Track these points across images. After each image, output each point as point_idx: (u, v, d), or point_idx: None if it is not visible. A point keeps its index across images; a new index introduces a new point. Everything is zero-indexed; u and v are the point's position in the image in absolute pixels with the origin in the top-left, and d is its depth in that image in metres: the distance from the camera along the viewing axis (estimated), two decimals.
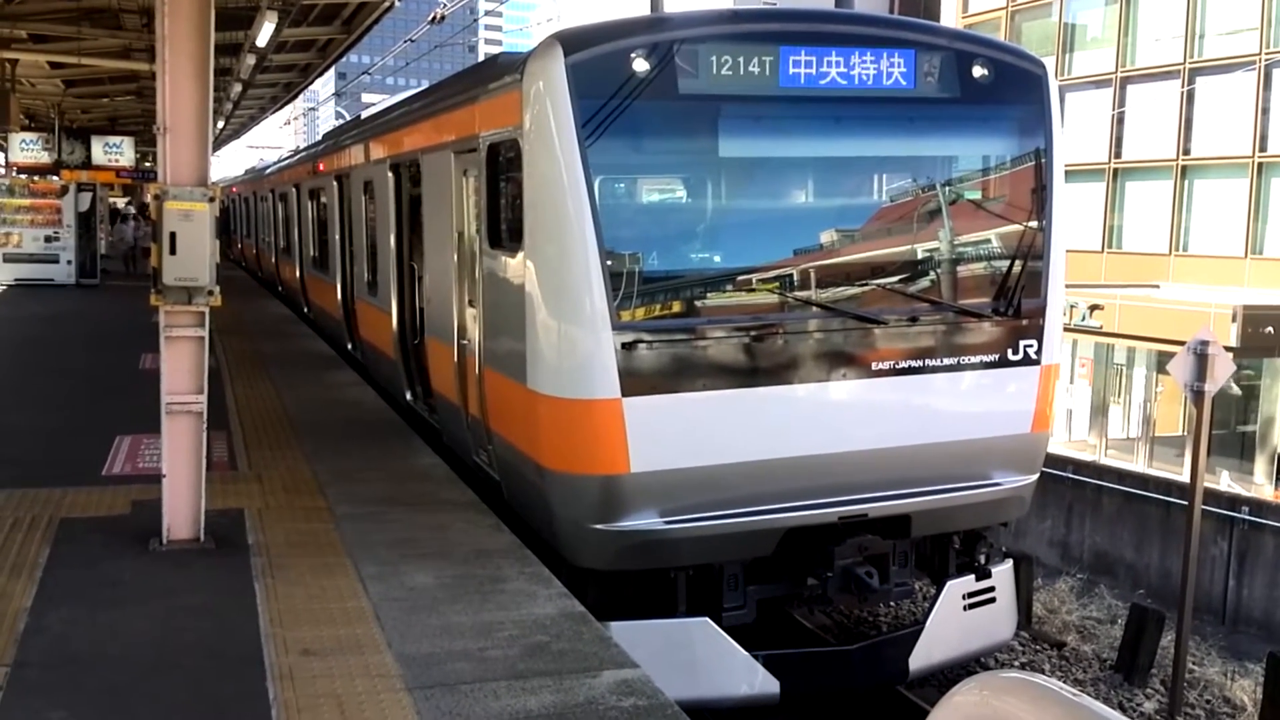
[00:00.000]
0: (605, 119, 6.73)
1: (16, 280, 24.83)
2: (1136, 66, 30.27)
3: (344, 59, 26.19)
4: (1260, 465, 25.14)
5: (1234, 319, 20.68)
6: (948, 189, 7.91)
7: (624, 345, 6.68)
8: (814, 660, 7.90)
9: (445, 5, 21.12)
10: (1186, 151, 28.68)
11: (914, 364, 7.41)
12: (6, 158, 30.83)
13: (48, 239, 25.16)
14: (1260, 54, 26.54)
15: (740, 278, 7.34)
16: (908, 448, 7.42)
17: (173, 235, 6.56)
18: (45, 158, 28.92)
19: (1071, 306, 24.33)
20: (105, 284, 25.57)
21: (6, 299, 22.89)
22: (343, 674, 5.15)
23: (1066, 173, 8.11)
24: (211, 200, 6.64)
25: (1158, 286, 27.28)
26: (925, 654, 7.79)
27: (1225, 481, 23.13)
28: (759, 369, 7.05)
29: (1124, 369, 29.03)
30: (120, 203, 39.20)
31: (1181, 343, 10.18)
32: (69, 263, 25.13)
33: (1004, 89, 7.74)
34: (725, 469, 6.96)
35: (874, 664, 7.87)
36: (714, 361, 6.95)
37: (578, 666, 5.29)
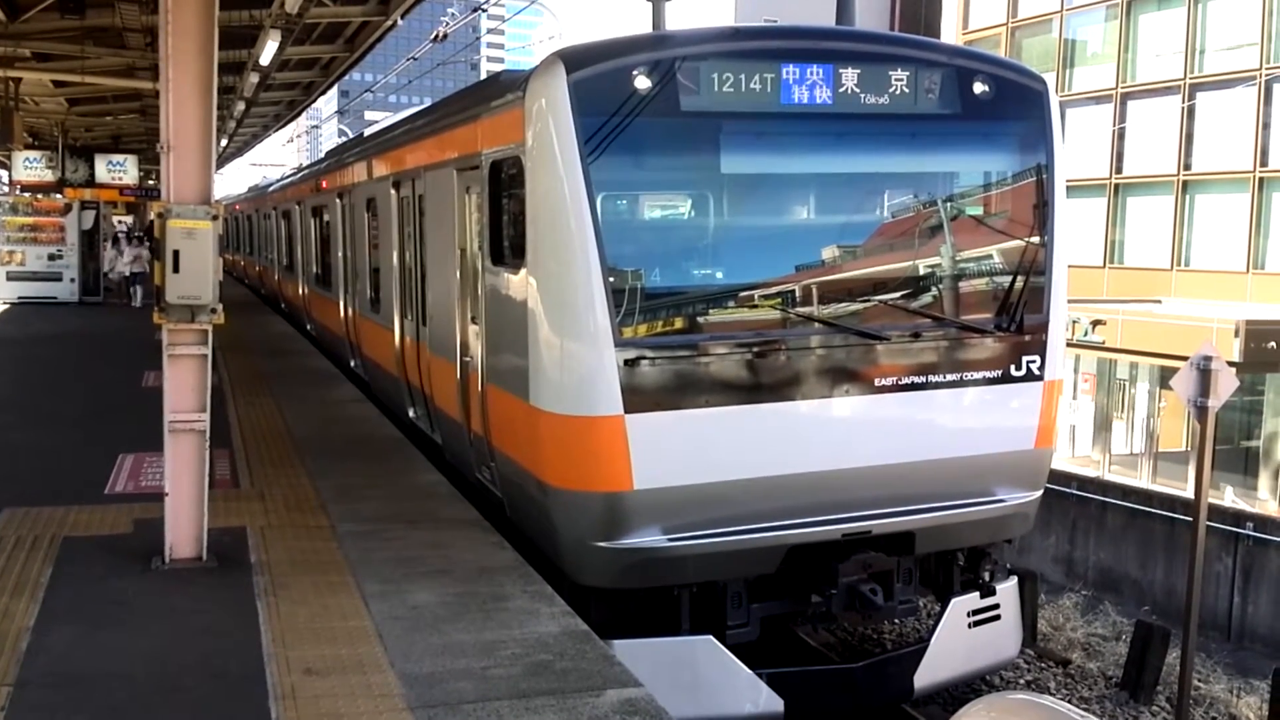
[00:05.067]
0: (607, 136, 6.75)
1: (20, 298, 24.89)
2: (1137, 82, 30.34)
3: (347, 77, 26.29)
4: (1264, 481, 25.07)
5: (1236, 334, 20.65)
6: (949, 205, 7.91)
7: (626, 362, 6.67)
8: (818, 678, 7.86)
9: (447, 24, 21.21)
10: (1187, 167, 28.72)
11: (917, 380, 7.40)
12: (10, 176, 30.88)
13: (51, 257, 25.23)
14: (1260, 69, 26.60)
15: (743, 294, 7.34)
16: (911, 464, 7.40)
17: (175, 253, 6.57)
18: (49, 176, 28.95)
19: (1074, 322, 24.31)
20: (108, 302, 25.61)
21: (9, 317, 22.93)
22: (345, 693, 5.13)
23: (1068, 188, 8.11)
24: (215, 218, 6.65)
25: (1160, 302, 27.27)
26: (930, 672, 7.75)
27: (1230, 498, 23.06)
28: (762, 385, 7.04)
29: (1127, 384, 28.98)
30: (126, 221, 38.93)
31: (1184, 358, 10.17)
32: (72, 281, 25.19)
33: (1005, 105, 7.76)
34: (729, 486, 6.94)
35: (879, 682, 7.83)
36: (717, 378, 6.94)
37: (581, 685, 5.26)
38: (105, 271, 25.44)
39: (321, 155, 21.86)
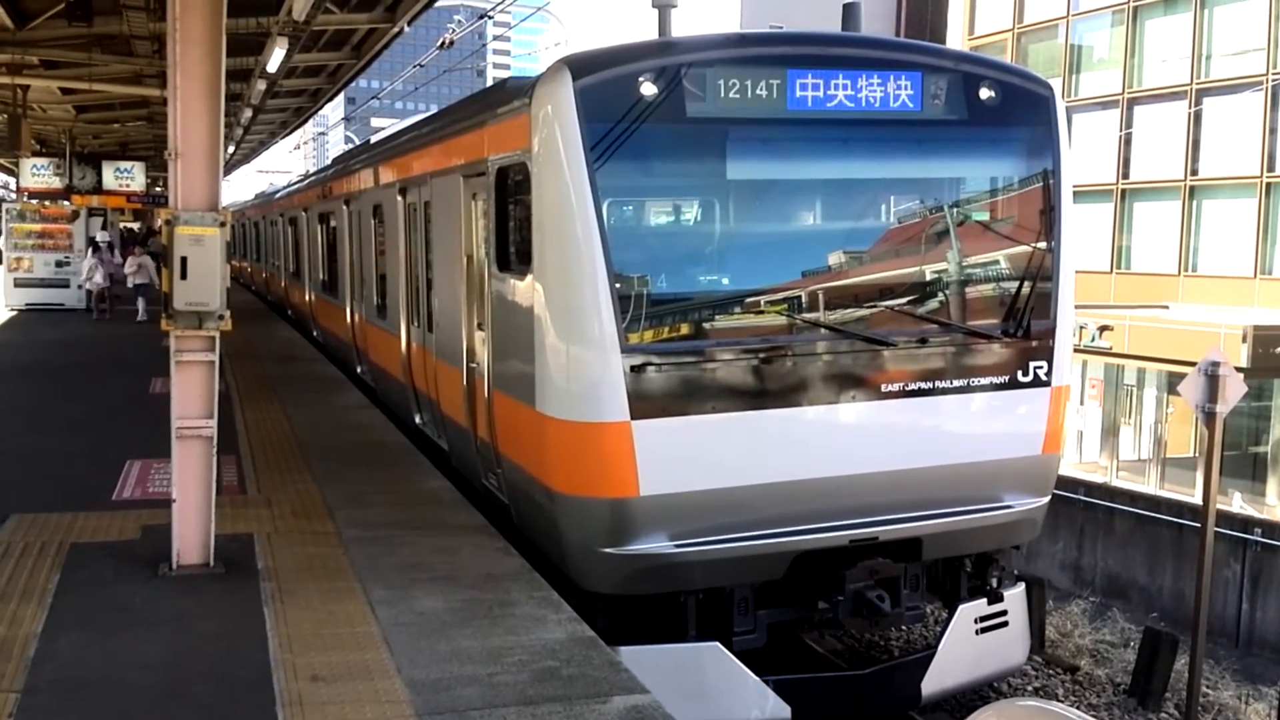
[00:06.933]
0: (613, 142, 6.75)
1: (27, 305, 24.94)
2: (1143, 87, 30.33)
3: (353, 84, 26.33)
4: (1273, 486, 25.00)
5: (1244, 339, 20.62)
6: (956, 210, 7.91)
7: (633, 368, 6.67)
8: (825, 685, 7.85)
9: (453, 31, 21.27)
10: (1194, 172, 28.68)
11: (924, 386, 7.38)
12: (18, 183, 31.00)
13: (58, 264, 25.27)
14: (1267, 74, 26.57)
15: (749, 300, 7.34)
16: (918, 470, 7.39)
17: (184, 260, 6.59)
18: (56, 183, 29.09)
19: (1081, 327, 24.27)
20: (115, 308, 25.66)
21: (17, 324, 22.98)
22: (352, 700, 5.13)
23: (1074, 193, 8.11)
24: (222, 225, 6.67)
25: (1167, 307, 27.21)
26: (938, 679, 7.74)
27: (1237, 503, 22.99)
28: (768, 391, 7.03)
29: (1134, 390, 28.93)
30: (131, 228, 38.93)
31: (1192, 363, 10.15)
32: (79, 287, 25.23)
33: (1011, 110, 7.75)
34: (735, 492, 6.93)
35: (886, 689, 7.81)
36: (723, 384, 6.94)
37: (587, 692, 5.26)
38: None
39: (328, 162, 21.91)
